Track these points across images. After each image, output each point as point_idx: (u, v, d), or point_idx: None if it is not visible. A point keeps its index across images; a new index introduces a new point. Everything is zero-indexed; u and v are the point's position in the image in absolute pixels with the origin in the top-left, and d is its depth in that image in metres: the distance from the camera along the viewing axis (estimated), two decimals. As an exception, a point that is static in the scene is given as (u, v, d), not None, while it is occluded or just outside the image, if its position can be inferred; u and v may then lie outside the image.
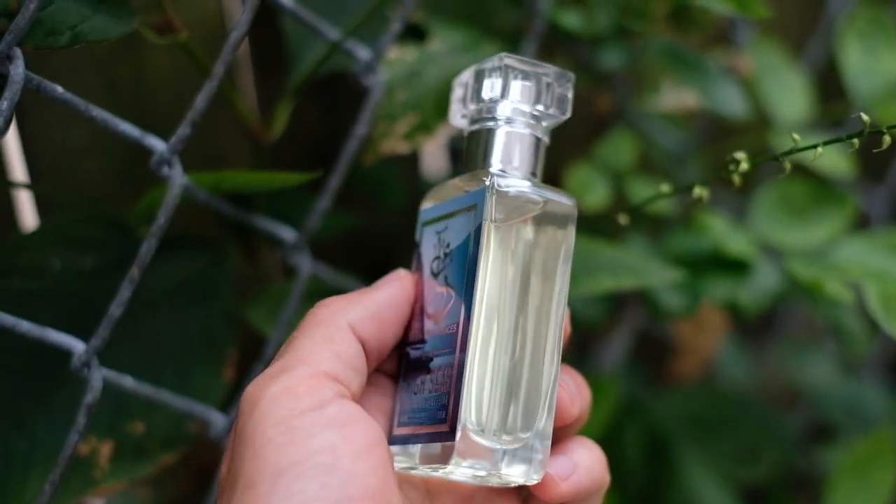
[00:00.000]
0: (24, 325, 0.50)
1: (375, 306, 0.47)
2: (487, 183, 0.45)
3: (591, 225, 0.68)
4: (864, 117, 0.47)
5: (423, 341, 0.47)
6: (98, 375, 0.51)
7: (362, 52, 0.57)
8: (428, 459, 0.45)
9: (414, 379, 0.47)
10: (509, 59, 0.48)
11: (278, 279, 0.73)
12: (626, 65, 0.72)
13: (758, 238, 0.72)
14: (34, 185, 0.65)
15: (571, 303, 0.47)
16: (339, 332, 0.45)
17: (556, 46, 0.73)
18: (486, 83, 0.48)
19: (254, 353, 0.60)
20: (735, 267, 0.70)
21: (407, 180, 0.78)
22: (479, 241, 0.45)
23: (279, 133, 0.61)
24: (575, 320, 0.67)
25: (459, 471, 0.44)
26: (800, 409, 1.03)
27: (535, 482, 0.45)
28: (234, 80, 0.71)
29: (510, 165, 0.48)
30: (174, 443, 0.58)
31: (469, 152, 0.49)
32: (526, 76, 0.48)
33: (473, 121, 0.49)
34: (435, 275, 0.48)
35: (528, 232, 0.46)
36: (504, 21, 0.70)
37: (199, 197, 0.55)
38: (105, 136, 0.54)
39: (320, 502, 0.39)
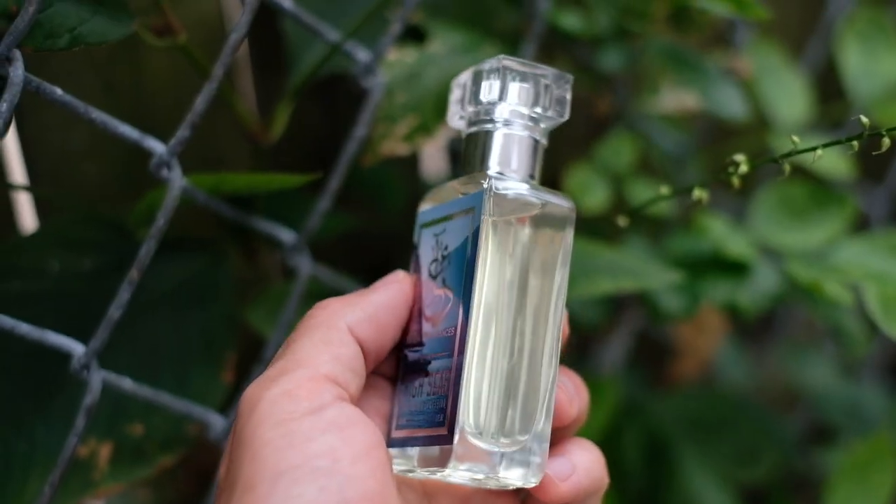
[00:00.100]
0: (24, 327, 0.50)
1: (374, 308, 0.47)
2: (485, 185, 0.45)
3: (591, 227, 0.68)
4: (864, 119, 0.47)
5: (421, 344, 0.47)
6: (97, 377, 0.51)
7: (362, 54, 0.57)
8: (426, 462, 0.45)
9: (412, 381, 0.47)
10: (507, 61, 0.47)
11: (278, 281, 0.73)
12: (625, 66, 0.72)
13: (757, 240, 0.72)
14: (33, 188, 0.65)
15: (570, 304, 0.47)
16: (337, 335, 0.45)
17: (555, 48, 0.73)
18: (485, 85, 0.48)
19: (253, 355, 0.60)
20: (734, 269, 0.70)
21: (406, 182, 0.78)
22: (477, 244, 0.45)
23: (279, 135, 0.61)
24: (574, 322, 0.67)
25: (457, 474, 0.44)
26: (799, 410, 1.03)
27: (534, 485, 0.45)
28: (233, 81, 0.71)
29: (508, 168, 0.48)
30: (173, 445, 0.58)
31: (467, 154, 0.49)
32: (524, 78, 0.48)
33: (471, 123, 0.49)
34: (433, 277, 0.48)
35: (526, 234, 0.46)
36: (504, 22, 0.70)
37: (199, 198, 0.55)
38: (104, 139, 0.54)
39: (319, 505, 0.39)
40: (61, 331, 0.51)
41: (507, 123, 0.48)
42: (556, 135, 0.50)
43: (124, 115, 0.52)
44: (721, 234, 0.71)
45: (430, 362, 0.46)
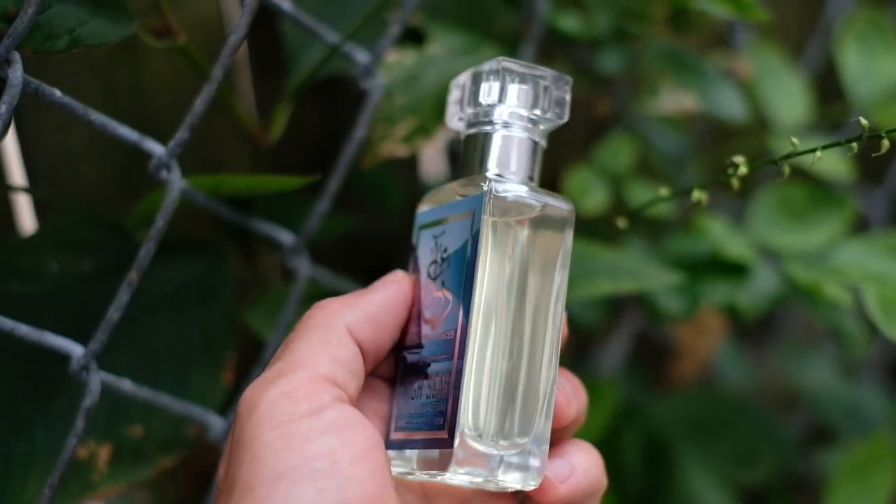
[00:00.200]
0: (23, 329, 0.50)
1: (373, 308, 0.47)
2: (485, 188, 0.45)
3: (590, 228, 0.68)
4: (863, 121, 0.47)
5: (420, 346, 0.47)
6: (96, 379, 0.51)
7: (361, 56, 0.57)
8: (426, 465, 0.45)
9: (411, 384, 0.47)
10: (507, 63, 0.47)
11: (277, 282, 0.73)
12: (624, 68, 0.72)
13: (757, 241, 0.72)
14: (33, 189, 0.65)
15: (570, 306, 0.47)
16: (336, 335, 0.45)
17: (554, 49, 0.73)
18: (484, 87, 0.48)
19: (252, 357, 0.60)
20: (734, 270, 0.70)
21: (405, 183, 0.78)
22: (476, 247, 0.45)
23: (278, 136, 0.61)
24: (573, 323, 0.67)
25: (457, 477, 0.44)
26: (799, 411, 1.03)
27: (533, 488, 0.45)
28: (232, 83, 0.71)
29: (507, 170, 0.48)
30: (172, 446, 0.58)
31: (466, 156, 0.49)
32: (523, 80, 0.48)
33: (471, 124, 0.49)
34: (432, 279, 0.48)
35: (526, 236, 0.46)
36: (503, 24, 0.70)
37: (198, 200, 0.55)
38: (103, 140, 0.54)
39: (318, 507, 0.39)
40: (61, 332, 0.51)
41: (506, 125, 0.48)
42: (555, 136, 0.50)
43: (123, 116, 0.52)
44: (720, 235, 0.71)
45: (429, 365, 0.46)
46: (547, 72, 0.48)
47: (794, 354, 0.98)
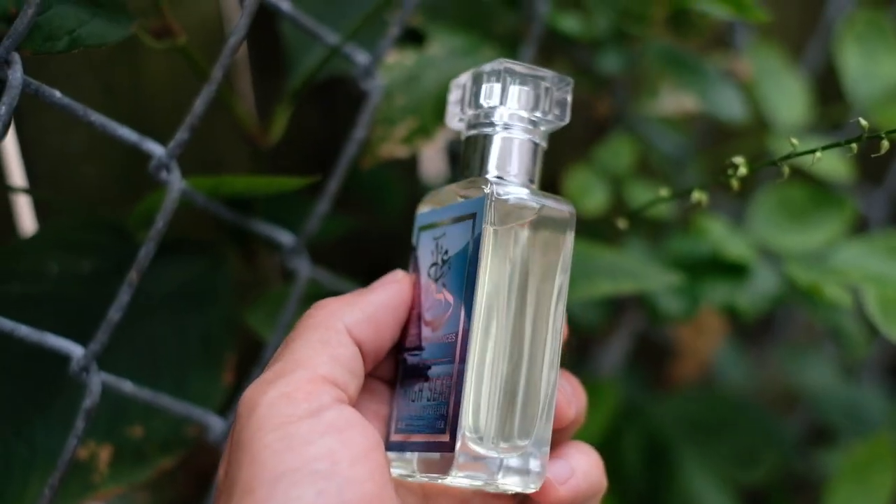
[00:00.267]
0: (23, 330, 0.50)
1: (372, 308, 0.47)
2: (487, 191, 0.45)
3: (590, 229, 0.68)
4: (863, 122, 0.47)
5: (420, 348, 0.47)
6: (97, 380, 0.51)
7: (361, 56, 0.57)
8: (426, 468, 0.45)
9: (411, 386, 0.47)
10: (508, 65, 0.47)
11: (277, 283, 0.73)
12: (624, 68, 0.72)
13: (757, 242, 0.72)
14: (33, 190, 0.65)
15: (570, 306, 0.47)
16: (335, 335, 0.45)
17: (554, 50, 0.73)
18: (485, 88, 0.48)
19: (252, 357, 0.60)
20: (734, 270, 0.70)
21: (405, 184, 0.78)
22: (478, 251, 0.45)
23: (278, 137, 0.61)
24: (574, 324, 0.67)
25: (458, 480, 0.44)
26: (799, 411, 1.03)
27: (533, 491, 0.45)
28: (232, 83, 0.71)
29: (508, 172, 0.47)
30: (173, 447, 0.58)
31: (466, 157, 0.49)
32: (524, 81, 0.48)
33: (471, 125, 0.49)
34: (432, 280, 0.47)
35: (527, 239, 0.46)
36: (503, 25, 0.69)
37: (198, 201, 0.55)
38: (103, 141, 0.54)
39: (318, 508, 0.39)
40: (61, 333, 0.51)
41: (507, 127, 0.48)
42: (555, 137, 0.50)
43: (123, 117, 0.52)
44: (720, 235, 0.71)
45: (430, 367, 0.46)
46: (548, 73, 0.48)
47: (794, 355, 0.98)
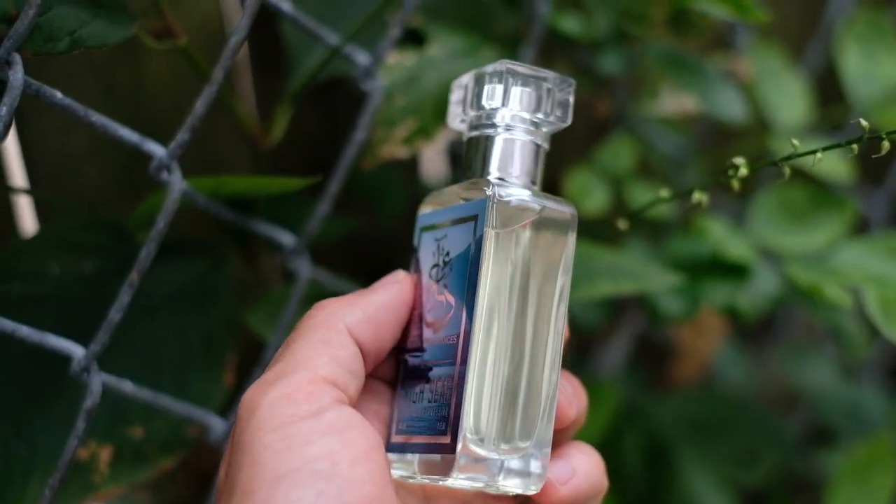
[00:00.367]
0: (24, 331, 0.50)
1: (373, 309, 0.47)
2: (489, 193, 0.45)
3: (591, 230, 0.68)
4: (863, 122, 0.47)
5: (421, 349, 0.47)
6: (97, 380, 0.51)
7: (361, 57, 0.57)
8: (427, 469, 0.45)
9: (412, 387, 0.47)
10: (510, 66, 0.47)
11: (278, 284, 0.73)
12: (625, 69, 0.72)
13: (757, 242, 0.72)
14: (34, 191, 0.65)
15: (571, 307, 0.47)
16: (336, 336, 0.45)
17: (555, 51, 0.73)
18: (487, 89, 0.48)
19: (253, 358, 0.60)
20: (734, 271, 0.70)
21: (406, 185, 0.78)
22: (480, 253, 0.45)
23: (278, 138, 0.61)
24: (574, 325, 0.67)
25: (459, 482, 0.44)
26: (799, 412, 1.03)
27: (534, 492, 0.45)
28: (233, 84, 0.71)
29: (510, 174, 0.47)
30: (173, 447, 0.58)
31: (468, 159, 0.49)
32: (526, 82, 0.48)
33: (473, 127, 0.49)
34: (434, 282, 0.47)
35: (529, 241, 0.46)
36: (503, 26, 0.70)
37: (199, 202, 0.55)
38: (104, 142, 0.54)
39: (318, 509, 0.39)
40: (61, 334, 0.51)
41: (509, 128, 0.48)
42: (556, 138, 0.50)
43: (124, 118, 0.52)
44: (721, 236, 0.71)
45: (431, 369, 0.46)
46: (550, 74, 0.48)
47: (794, 355, 0.98)
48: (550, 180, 0.53)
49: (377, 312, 0.47)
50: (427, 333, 0.47)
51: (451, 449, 0.44)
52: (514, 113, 0.48)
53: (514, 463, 0.45)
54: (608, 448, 0.66)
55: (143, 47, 0.55)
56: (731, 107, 0.73)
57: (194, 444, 0.58)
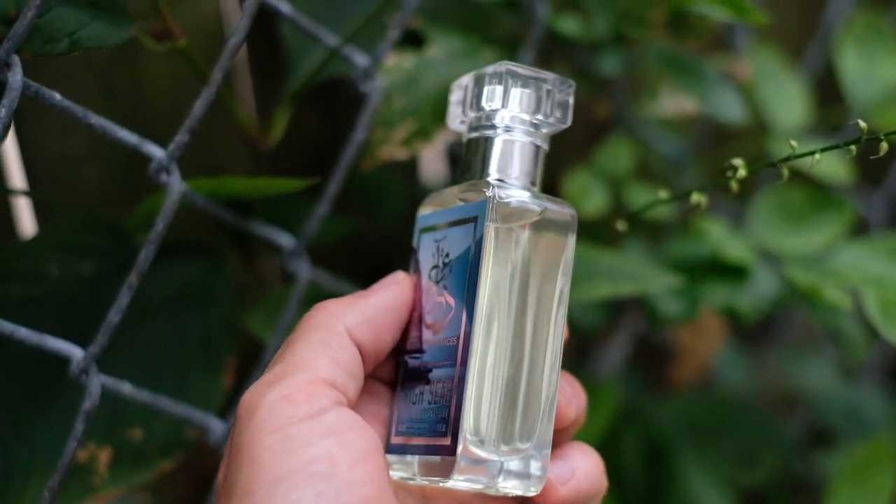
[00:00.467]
0: (23, 332, 0.50)
1: (373, 310, 0.47)
2: (489, 194, 0.45)
3: (590, 231, 0.68)
4: (862, 124, 0.47)
5: (421, 350, 0.47)
6: (96, 382, 0.51)
7: (360, 59, 0.58)
8: (427, 471, 0.45)
9: (412, 388, 0.47)
10: (510, 67, 0.47)
11: (277, 285, 0.73)
12: (624, 71, 0.72)
13: (756, 244, 0.72)
14: (33, 192, 0.65)
15: (570, 308, 0.47)
16: (336, 337, 0.45)
17: (554, 53, 0.73)
18: (487, 90, 0.48)
19: (252, 360, 0.60)
20: (733, 273, 0.70)
21: (405, 186, 0.78)
22: (479, 254, 0.45)
23: (277, 139, 0.61)
24: (573, 326, 0.67)
25: (459, 483, 0.44)
26: (798, 413, 1.03)
27: (534, 494, 0.45)
28: (232, 86, 0.71)
29: (510, 175, 0.47)
30: (172, 449, 0.58)
31: (468, 160, 0.49)
32: (526, 84, 0.48)
33: (473, 128, 0.49)
34: (434, 283, 0.47)
35: (528, 242, 0.46)
36: (502, 28, 0.69)
37: (198, 203, 0.55)
38: (103, 143, 0.54)
39: (318, 510, 0.39)
40: (60, 335, 0.51)
41: (508, 130, 0.48)
42: (555, 139, 0.50)
43: (123, 119, 0.52)
44: (720, 238, 0.71)
45: (431, 370, 0.46)
46: (550, 76, 0.48)
47: (793, 357, 0.98)
48: (549, 181, 0.53)
49: (376, 314, 0.47)
50: (427, 335, 0.47)
51: (451, 450, 0.44)
52: (513, 114, 0.48)
53: (514, 464, 0.45)
54: (607, 449, 0.66)
55: (142, 49, 0.55)
56: (730, 108, 0.73)
57: (193, 445, 0.58)
